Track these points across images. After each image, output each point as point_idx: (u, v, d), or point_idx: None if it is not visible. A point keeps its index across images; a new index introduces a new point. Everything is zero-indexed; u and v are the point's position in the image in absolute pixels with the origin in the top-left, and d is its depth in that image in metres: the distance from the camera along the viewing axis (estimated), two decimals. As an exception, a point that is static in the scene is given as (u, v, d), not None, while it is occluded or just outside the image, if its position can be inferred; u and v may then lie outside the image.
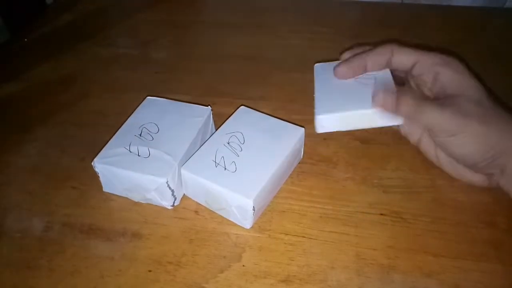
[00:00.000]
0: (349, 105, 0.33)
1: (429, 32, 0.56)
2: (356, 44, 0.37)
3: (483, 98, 0.31)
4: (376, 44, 0.36)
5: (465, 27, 0.57)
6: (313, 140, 0.40)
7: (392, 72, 0.35)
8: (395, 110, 0.32)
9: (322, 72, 0.37)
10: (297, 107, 0.44)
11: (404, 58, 0.34)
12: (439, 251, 0.32)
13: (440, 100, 0.32)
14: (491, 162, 0.31)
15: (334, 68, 0.36)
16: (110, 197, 0.37)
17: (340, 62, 0.36)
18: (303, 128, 0.37)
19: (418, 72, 0.34)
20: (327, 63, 0.37)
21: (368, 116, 0.33)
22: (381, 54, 0.34)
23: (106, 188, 0.37)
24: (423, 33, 0.56)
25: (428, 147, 0.36)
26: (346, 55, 0.36)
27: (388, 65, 0.35)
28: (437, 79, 0.32)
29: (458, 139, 0.31)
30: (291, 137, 0.36)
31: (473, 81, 0.32)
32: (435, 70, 0.32)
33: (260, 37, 0.57)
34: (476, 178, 0.34)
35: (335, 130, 0.33)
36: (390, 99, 0.32)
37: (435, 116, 0.31)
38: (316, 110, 0.33)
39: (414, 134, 0.36)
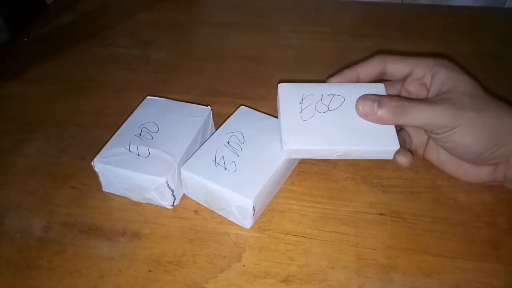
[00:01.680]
0: (319, 140, 0.32)
1: (429, 32, 0.56)
2: (345, 67, 0.36)
3: (477, 91, 0.32)
4: (365, 58, 0.35)
5: (465, 27, 0.57)
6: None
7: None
8: (377, 117, 0.32)
9: (288, 94, 0.35)
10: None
11: (400, 65, 0.34)
12: (439, 251, 0.32)
13: (432, 98, 0.32)
14: (495, 151, 0.31)
15: (326, 80, 0.35)
16: (110, 197, 0.37)
17: (333, 74, 0.35)
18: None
19: (419, 75, 0.34)
20: (292, 84, 0.35)
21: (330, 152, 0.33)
22: (373, 65, 0.35)
23: (106, 188, 0.37)
24: (423, 33, 0.56)
25: (429, 153, 0.37)
26: (333, 79, 0.36)
27: (381, 75, 0.35)
28: (436, 78, 0.33)
29: (457, 131, 0.31)
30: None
31: (466, 77, 0.33)
32: (434, 70, 0.33)
33: (260, 37, 0.57)
34: (482, 172, 0.34)
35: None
36: (370, 103, 0.32)
37: (423, 114, 0.31)
38: (283, 138, 0.32)
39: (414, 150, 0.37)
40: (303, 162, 0.39)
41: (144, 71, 0.51)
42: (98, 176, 0.36)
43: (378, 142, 0.32)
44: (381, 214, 0.35)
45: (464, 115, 0.30)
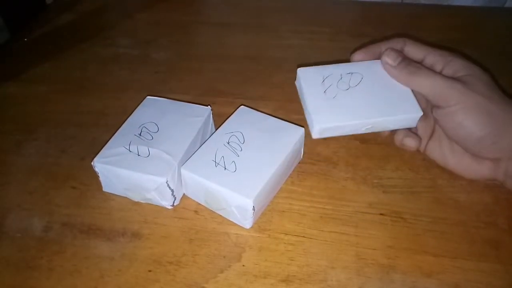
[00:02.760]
0: (349, 114, 0.33)
1: (429, 32, 0.56)
2: (368, 43, 0.37)
3: (489, 81, 0.33)
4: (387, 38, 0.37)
5: (465, 27, 0.57)
6: (313, 140, 0.40)
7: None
8: (395, 70, 0.34)
9: (308, 77, 0.36)
10: (297, 107, 0.44)
11: (416, 49, 0.36)
12: (439, 251, 0.32)
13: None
14: (497, 141, 0.32)
15: (351, 56, 0.37)
16: (110, 197, 0.37)
17: (356, 49, 0.37)
18: (303, 128, 0.37)
19: (430, 62, 0.35)
20: (310, 67, 0.36)
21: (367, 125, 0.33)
22: (396, 43, 0.36)
23: (106, 188, 0.37)
24: (423, 33, 0.56)
25: (431, 147, 0.37)
26: (358, 55, 0.37)
27: None
28: (449, 66, 0.34)
29: (461, 109, 0.32)
30: (291, 137, 0.36)
31: (480, 69, 0.34)
32: (448, 59, 0.34)
33: (260, 37, 0.57)
34: (483, 168, 0.34)
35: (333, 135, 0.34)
36: (395, 55, 0.34)
37: (434, 81, 0.32)
38: (313, 118, 0.33)
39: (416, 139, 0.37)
40: (303, 162, 0.39)
41: (144, 71, 0.51)
42: (98, 176, 0.36)
43: (403, 110, 0.33)
44: (381, 214, 0.35)
45: (473, 95, 0.31)
